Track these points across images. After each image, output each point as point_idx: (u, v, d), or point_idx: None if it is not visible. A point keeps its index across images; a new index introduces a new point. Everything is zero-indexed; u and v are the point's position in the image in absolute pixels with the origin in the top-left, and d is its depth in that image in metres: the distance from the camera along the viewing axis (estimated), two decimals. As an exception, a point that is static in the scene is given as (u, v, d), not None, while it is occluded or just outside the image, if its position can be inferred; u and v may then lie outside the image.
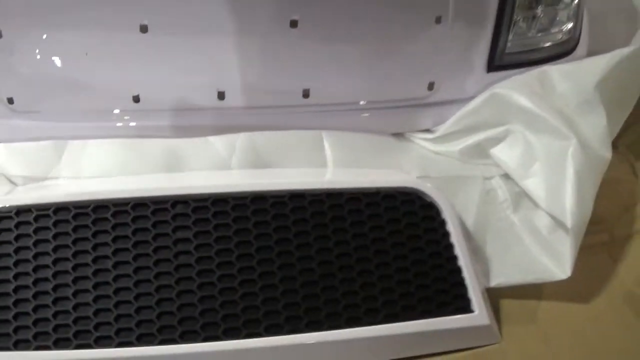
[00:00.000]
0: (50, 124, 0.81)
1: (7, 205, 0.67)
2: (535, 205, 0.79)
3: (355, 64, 0.81)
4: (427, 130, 0.87)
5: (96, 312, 0.64)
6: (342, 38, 0.79)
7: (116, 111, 0.81)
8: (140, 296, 0.65)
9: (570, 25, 0.86)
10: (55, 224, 0.67)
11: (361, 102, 0.84)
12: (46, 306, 0.64)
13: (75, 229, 0.67)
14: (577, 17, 0.85)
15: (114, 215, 0.68)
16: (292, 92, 0.81)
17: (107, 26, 0.75)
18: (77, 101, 0.80)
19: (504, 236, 0.78)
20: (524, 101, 0.79)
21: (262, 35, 0.77)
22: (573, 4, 0.84)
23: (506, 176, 0.83)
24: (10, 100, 0.79)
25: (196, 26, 0.75)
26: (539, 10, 0.82)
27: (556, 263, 0.74)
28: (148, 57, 0.77)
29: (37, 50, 0.76)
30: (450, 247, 0.72)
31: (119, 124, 0.81)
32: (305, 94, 0.81)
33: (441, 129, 0.85)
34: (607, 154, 0.77)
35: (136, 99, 0.80)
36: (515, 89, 0.80)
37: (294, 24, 0.76)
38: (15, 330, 0.62)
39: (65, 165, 0.78)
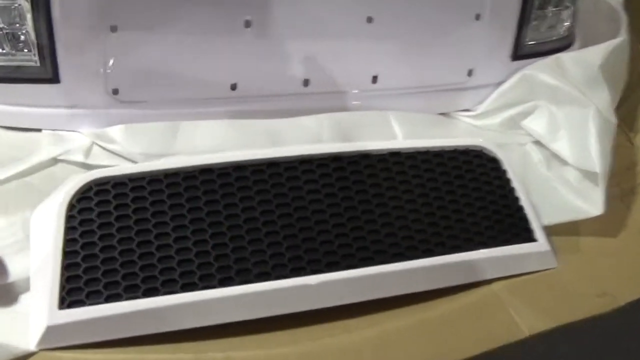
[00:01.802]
0: (151, 111, 0.90)
1: (138, 172, 0.75)
2: (564, 163, 0.96)
3: (413, 54, 0.98)
4: (467, 110, 1.05)
5: (217, 257, 0.72)
6: (404, 32, 0.95)
7: (214, 98, 0.92)
8: (239, 238, 0.73)
9: (569, 23, 1.07)
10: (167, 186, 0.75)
11: (415, 87, 1.01)
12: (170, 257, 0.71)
13: (186, 189, 0.75)
14: (574, 17, 1.07)
15: (218, 176, 0.77)
16: (364, 79, 0.98)
17: (214, 22, 0.86)
18: (178, 90, 0.90)
19: (542, 188, 0.93)
20: (548, 79, 0.98)
21: (343, 30, 0.92)
22: (572, 8, 1.06)
23: (537, 142, 1.00)
24: (115, 91, 0.88)
25: (291, 24, 0.89)
26: (549, 12, 1.04)
27: (589, 203, 0.90)
28: (247, 50, 0.89)
29: (145, 44, 0.86)
30: (512, 190, 0.87)
31: (216, 110, 0.92)
32: (374, 80, 0.98)
33: (481, 107, 1.03)
34: (613, 119, 0.96)
35: (233, 87, 0.92)
36: (541, 70, 0.99)
37: (369, 20, 0.93)
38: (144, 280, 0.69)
39: (181, 143, 0.87)
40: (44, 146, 0.87)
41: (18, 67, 0.87)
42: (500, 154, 0.90)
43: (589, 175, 0.93)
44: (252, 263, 0.72)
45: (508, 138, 1.01)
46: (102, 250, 0.69)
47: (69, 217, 0.70)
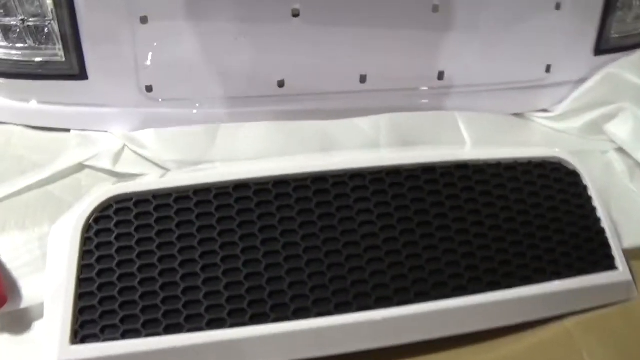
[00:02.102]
0: (188, 111, 0.82)
1: (164, 187, 0.66)
2: None
3: (484, 47, 0.86)
4: (544, 110, 0.93)
5: (250, 289, 0.63)
6: (474, 23, 0.84)
7: (259, 97, 0.83)
8: (276, 267, 0.64)
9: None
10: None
11: (487, 84, 0.89)
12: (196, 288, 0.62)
13: (218, 209, 0.66)
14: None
15: (255, 194, 0.67)
16: (428, 75, 0.87)
17: (259, 11, 0.77)
18: (217, 88, 0.82)
19: (624, 204, 0.82)
20: (634, 79, 0.86)
21: (406, 20, 0.81)
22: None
23: (620, 149, 0.88)
24: (149, 89, 0.80)
25: (344, 12, 0.79)
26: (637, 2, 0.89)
27: None
28: (295, 42, 0.80)
29: (179, 36, 0.77)
30: (594, 210, 0.76)
31: (260, 109, 0.83)
32: (440, 76, 0.87)
33: (560, 108, 0.91)
34: None
35: (281, 84, 0.82)
36: (626, 68, 0.87)
37: (435, 8, 0.81)
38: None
39: (220, 149, 0.79)
40: (70, 150, 0.79)
41: (43, 62, 0.80)
42: (580, 167, 0.79)
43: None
44: (289, 297, 0.63)
45: (589, 145, 0.90)
46: (120, 278, 0.61)
47: (86, 240, 0.62)
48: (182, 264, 0.63)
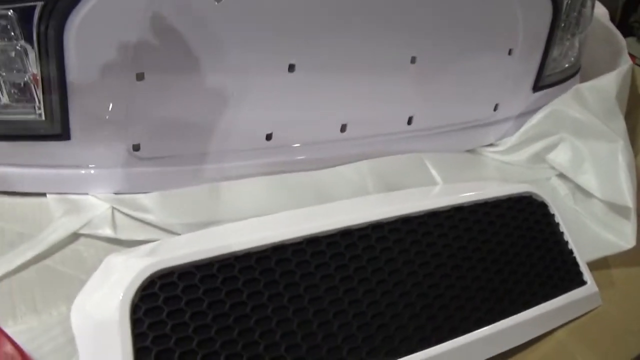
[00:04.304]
0: (175, 168, 0.79)
1: (205, 257, 0.64)
2: (588, 195, 0.96)
3: (448, 92, 0.93)
4: (491, 145, 1.02)
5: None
6: (443, 71, 0.91)
7: (248, 150, 0.83)
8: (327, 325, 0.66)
9: (578, 49, 1.07)
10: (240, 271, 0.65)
11: (447, 125, 0.97)
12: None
13: (262, 273, 0.66)
14: (583, 43, 1.07)
15: (294, 254, 0.68)
16: (400, 121, 0.92)
17: (256, 66, 0.76)
18: (205, 143, 0.80)
19: (573, 224, 0.92)
20: (571, 112, 0.98)
21: (387, 71, 0.86)
22: (583, 34, 1.05)
23: (560, 175, 1.00)
24: (136, 147, 0.76)
25: (334, 65, 0.81)
26: (567, 40, 1.02)
27: (620, 237, 0.90)
28: (286, 96, 0.81)
29: (177, 92, 0.75)
30: (562, 234, 0.86)
31: (249, 163, 0.83)
32: (409, 121, 0.92)
33: (509, 142, 1.01)
34: (631, 149, 0.98)
35: (269, 137, 0.83)
36: (566, 103, 0.99)
37: (413, 59, 0.86)
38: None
39: (226, 208, 0.78)
40: (58, 218, 0.73)
41: (19, 121, 0.73)
42: (547, 197, 0.88)
43: (614, 207, 0.93)
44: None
45: (535, 173, 1.00)
46: (181, 357, 0.59)
47: (135, 321, 0.59)
48: (240, 333, 0.62)
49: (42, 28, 0.66)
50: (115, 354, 0.58)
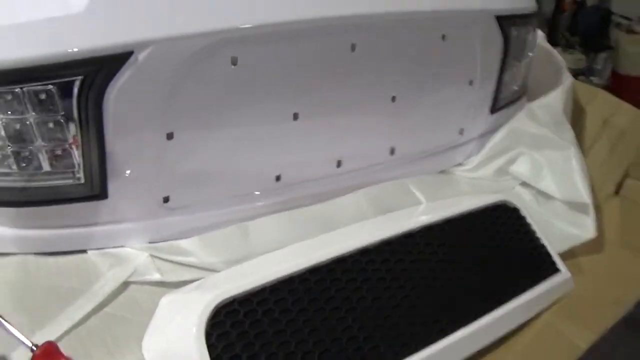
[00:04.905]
0: (198, 214, 0.89)
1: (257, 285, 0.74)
2: (549, 198, 1.09)
3: (422, 124, 1.07)
4: (460, 164, 1.17)
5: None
6: (418, 106, 1.04)
7: (257, 192, 0.94)
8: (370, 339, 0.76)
9: (525, 73, 1.24)
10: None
11: (421, 151, 1.10)
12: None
13: (306, 292, 0.76)
14: (529, 67, 1.24)
15: (327, 273, 0.78)
16: (384, 152, 1.05)
17: (267, 117, 0.87)
18: (224, 189, 0.90)
19: (540, 223, 1.04)
20: (527, 128, 1.14)
21: (373, 110, 0.99)
22: (529, 58, 1.22)
23: (523, 183, 1.14)
24: (166, 199, 0.85)
25: (331, 110, 0.93)
26: (515, 68, 1.19)
27: (582, 230, 1.03)
28: (292, 141, 0.92)
29: (200, 148, 0.84)
30: (534, 232, 0.99)
31: (261, 203, 0.94)
32: (392, 151, 1.06)
33: (475, 160, 1.16)
34: (582, 154, 1.13)
35: (278, 178, 0.94)
36: (522, 121, 1.15)
37: (394, 99, 1.00)
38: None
39: (254, 244, 0.87)
40: (107, 271, 0.81)
41: (60, 186, 0.80)
42: (518, 203, 1.01)
43: (574, 205, 1.07)
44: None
45: (501, 185, 1.14)
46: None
47: (210, 347, 0.68)
48: (297, 345, 0.72)
49: (82, 100, 0.72)
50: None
